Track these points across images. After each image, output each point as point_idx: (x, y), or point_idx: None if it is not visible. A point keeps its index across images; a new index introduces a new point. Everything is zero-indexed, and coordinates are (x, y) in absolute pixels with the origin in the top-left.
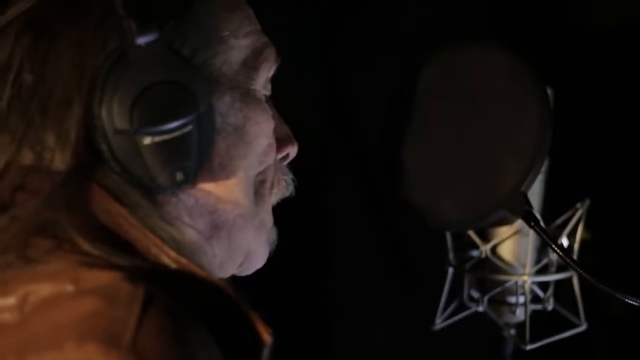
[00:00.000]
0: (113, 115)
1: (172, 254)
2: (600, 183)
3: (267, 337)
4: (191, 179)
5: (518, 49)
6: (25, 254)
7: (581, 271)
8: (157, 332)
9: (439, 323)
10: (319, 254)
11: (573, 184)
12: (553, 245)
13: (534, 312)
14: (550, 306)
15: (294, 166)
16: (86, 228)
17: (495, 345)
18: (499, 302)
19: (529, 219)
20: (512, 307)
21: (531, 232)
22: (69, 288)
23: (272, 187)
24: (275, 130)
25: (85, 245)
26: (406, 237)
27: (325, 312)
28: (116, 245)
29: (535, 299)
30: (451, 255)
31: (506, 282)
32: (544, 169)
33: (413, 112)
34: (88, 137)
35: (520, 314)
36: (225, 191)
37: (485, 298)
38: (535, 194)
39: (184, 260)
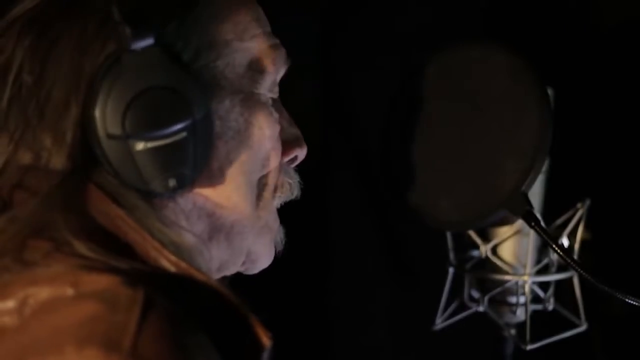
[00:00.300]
0: (106, 120)
1: (172, 257)
2: (600, 183)
3: (266, 340)
4: (185, 185)
5: (518, 49)
6: (23, 256)
7: (581, 271)
8: (157, 337)
9: (439, 323)
10: (319, 254)
11: (573, 184)
12: (553, 245)
13: (535, 312)
14: (550, 306)
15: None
16: (84, 230)
17: (495, 345)
18: (500, 302)
19: (530, 219)
20: (513, 307)
21: (532, 232)
22: (69, 291)
23: (275, 191)
24: (284, 132)
25: (84, 248)
26: (406, 237)
27: (325, 312)
28: (115, 248)
29: (536, 299)
30: (451, 255)
31: (506, 282)
32: (544, 169)
33: (413, 112)
34: (84, 139)
35: (520, 314)
36: (224, 195)
37: (486, 298)
38: (535, 194)
39: (183, 264)
